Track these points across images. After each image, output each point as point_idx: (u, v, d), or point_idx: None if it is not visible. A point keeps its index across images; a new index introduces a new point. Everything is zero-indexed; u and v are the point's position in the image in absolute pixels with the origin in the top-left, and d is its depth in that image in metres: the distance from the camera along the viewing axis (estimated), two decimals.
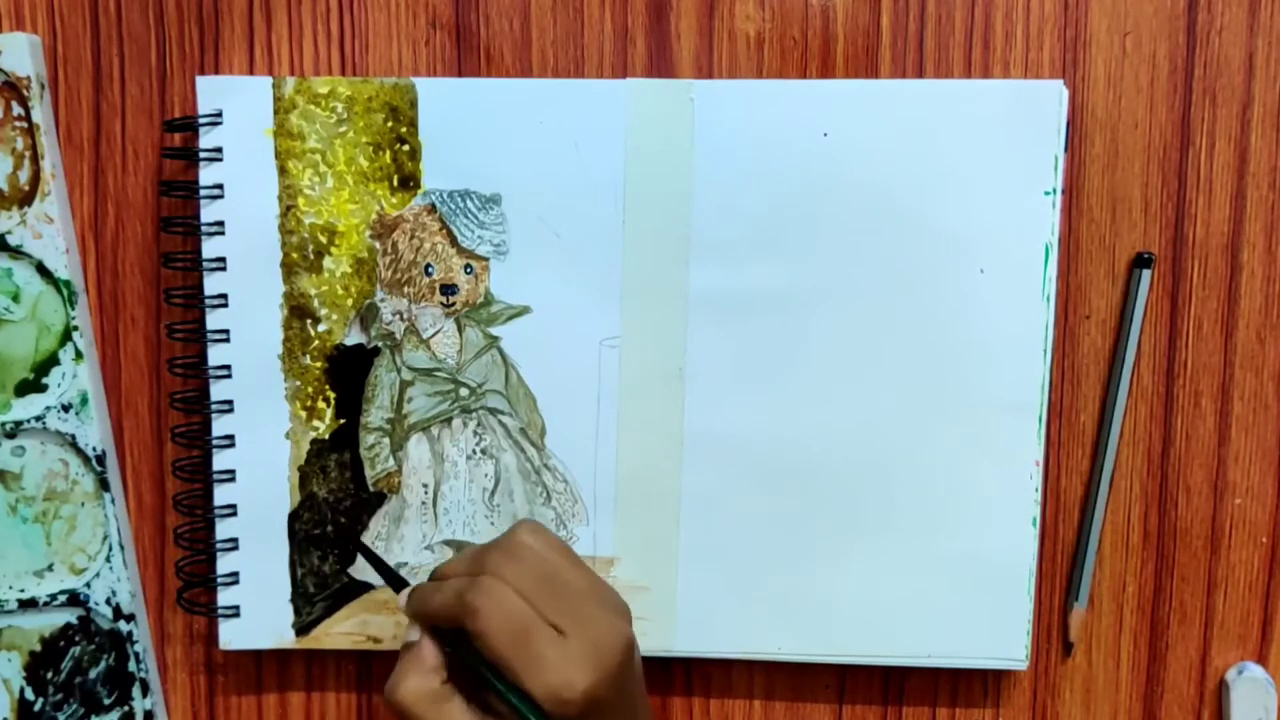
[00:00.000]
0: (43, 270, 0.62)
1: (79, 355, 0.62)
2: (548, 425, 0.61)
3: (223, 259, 0.60)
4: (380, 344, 0.61)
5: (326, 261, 0.60)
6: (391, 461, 0.62)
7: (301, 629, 0.63)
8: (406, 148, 0.60)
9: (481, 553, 0.55)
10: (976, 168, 0.58)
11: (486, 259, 0.60)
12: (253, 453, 0.62)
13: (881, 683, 0.64)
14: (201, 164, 0.60)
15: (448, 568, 0.56)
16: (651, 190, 0.59)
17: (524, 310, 0.61)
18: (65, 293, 0.62)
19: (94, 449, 0.62)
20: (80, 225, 0.63)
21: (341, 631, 0.63)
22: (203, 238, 0.60)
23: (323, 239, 0.60)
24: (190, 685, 0.66)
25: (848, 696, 0.64)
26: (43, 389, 0.62)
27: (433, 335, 0.61)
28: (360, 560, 0.62)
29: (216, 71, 0.62)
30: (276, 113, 0.60)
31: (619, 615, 0.54)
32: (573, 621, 0.52)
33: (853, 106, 0.58)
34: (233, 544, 0.62)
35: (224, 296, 0.61)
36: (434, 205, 0.60)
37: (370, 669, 0.65)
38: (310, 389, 0.61)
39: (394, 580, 0.58)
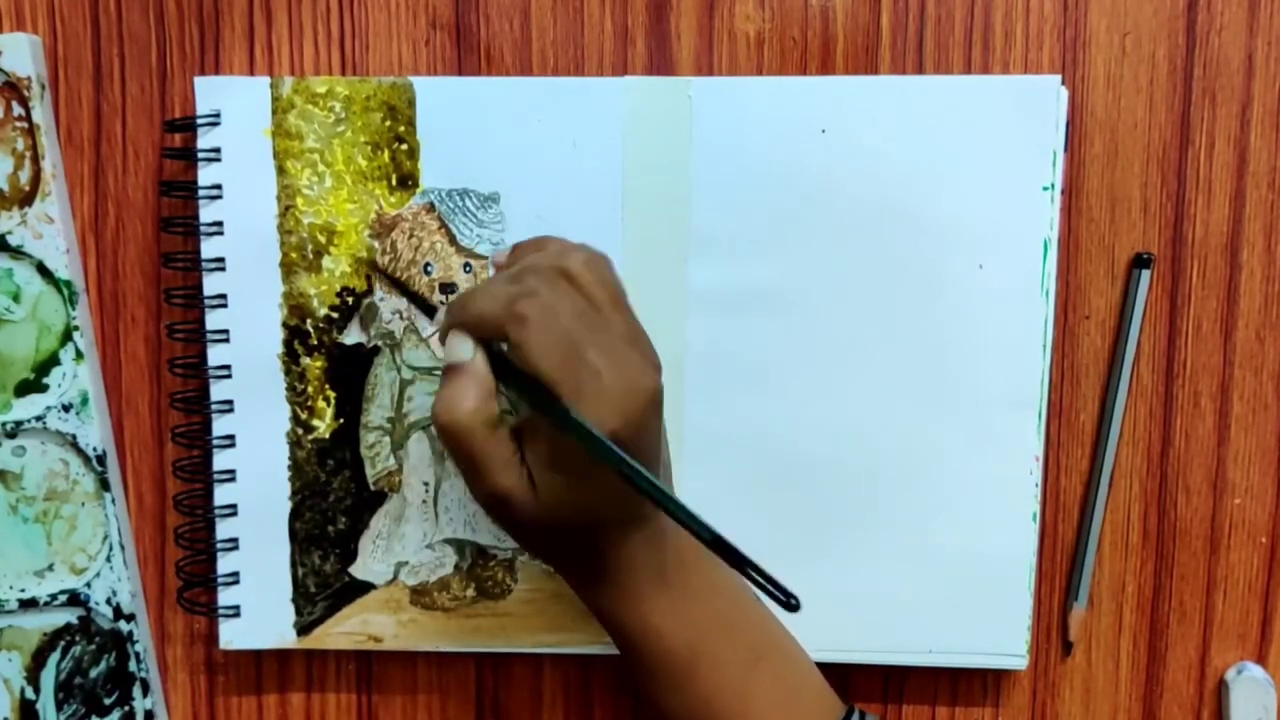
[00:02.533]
0: (43, 270, 0.62)
1: (79, 355, 0.62)
2: None
3: (222, 259, 0.60)
4: (380, 343, 0.61)
5: (325, 261, 0.61)
6: (392, 460, 0.62)
7: (302, 629, 0.63)
8: (405, 147, 0.60)
9: (530, 268, 0.52)
10: (975, 163, 0.58)
11: (485, 257, 0.60)
12: (253, 452, 0.62)
13: (881, 682, 0.64)
14: (200, 164, 0.60)
15: (492, 280, 0.53)
16: (649, 188, 0.59)
17: None
18: (65, 293, 0.62)
19: (94, 449, 0.62)
20: (80, 225, 0.63)
21: (342, 631, 0.63)
22: (201, 238, 0.60)
23: (321, 239, 0.60)
24: (190, 685, 0.66)
25: (848, 695, 0.64)
26: (43, 389, 0.62)
27: (432, 334, 0.61)
28: (360, 560, 0.62)
29: (217, 71, 0.62)
30: (274, 113, 0.60)
31: (652, 365, 0.52)
32: (610, 361, 0.50)
33: (850, 103, 0.59)
34: (233, 544, 0.62)
35: (223, 296, 0.61)
36: (432, 204, 0.60)
37: (371, 669, 0.65)
38: (310, 389, 0.61)
39: (423, 304, 0.57)
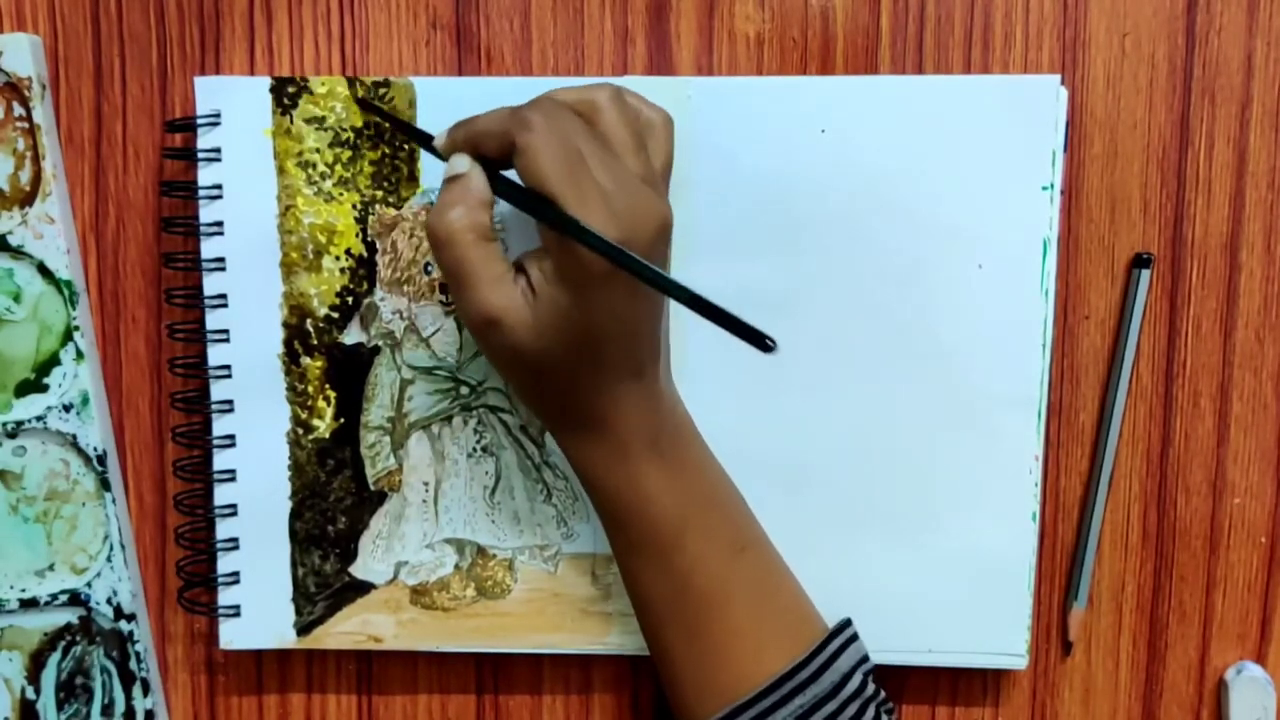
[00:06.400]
0: (44, 270, 0.62)
1: (80, 355, 0.62)
2: None
3: (222, 259, 0.60)
4: (380, 343, 0.61)
5: (325, 261, 0.61)
6: (392, 460, 0.62)
7: (303, 629, 0.63)
8: (405, 147, 0.60)
9: (546, 97, 0.52)
10: (974, 163, 0.58)
11: None
12: (253, 452, 0.62)
13: (881, 681, 0.64)
14: (200, 164, 0.60)
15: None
16: None
17: None
18: (66, 293, 0.62)
19: (95, 449, 0.63)
20: (81, 225, 0.63)
21: (343, 631, 0.63)
22: (202, 238, 0.60)
23: (322, 238, 0.60)
24: (191, 685, 0.66)
25: None
26: (44, 389, 0.62)
27: (433, 334, 0.61)
28: (360, 560, 0.62)
29: (217, 71, 0.62)
30: (275, 113, 0.60)
31: (663, 199, 0.51)
32: (618, 183, 0.49)
33: (850, 103, 0.59)
34: (233, 544, 0.62)
35: (224, 296, 0.61)
36: (433, 204, 0.60)
37: (371, 669, 0.65)
38: (310, 388, 0.61)
39: (418, 134, 0.57)
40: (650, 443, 0.54)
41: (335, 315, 0.61)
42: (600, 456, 0.54)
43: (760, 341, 0.44)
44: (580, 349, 0.51)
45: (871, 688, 0.56)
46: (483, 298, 0.51)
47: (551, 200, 0.48)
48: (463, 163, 0.52)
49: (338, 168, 0.60)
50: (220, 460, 0.62)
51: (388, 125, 0.59)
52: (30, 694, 0.64)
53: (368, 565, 0.62)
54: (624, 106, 0.53)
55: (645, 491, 0.54)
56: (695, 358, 0.60)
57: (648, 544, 0.55)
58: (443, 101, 0.60)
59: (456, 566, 0.62)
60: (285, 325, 0.61)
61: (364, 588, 0.63)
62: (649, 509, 0.54)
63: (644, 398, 0.53)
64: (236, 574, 0.62)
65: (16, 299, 0.62)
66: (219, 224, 0.60)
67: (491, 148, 0.52)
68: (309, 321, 0.61)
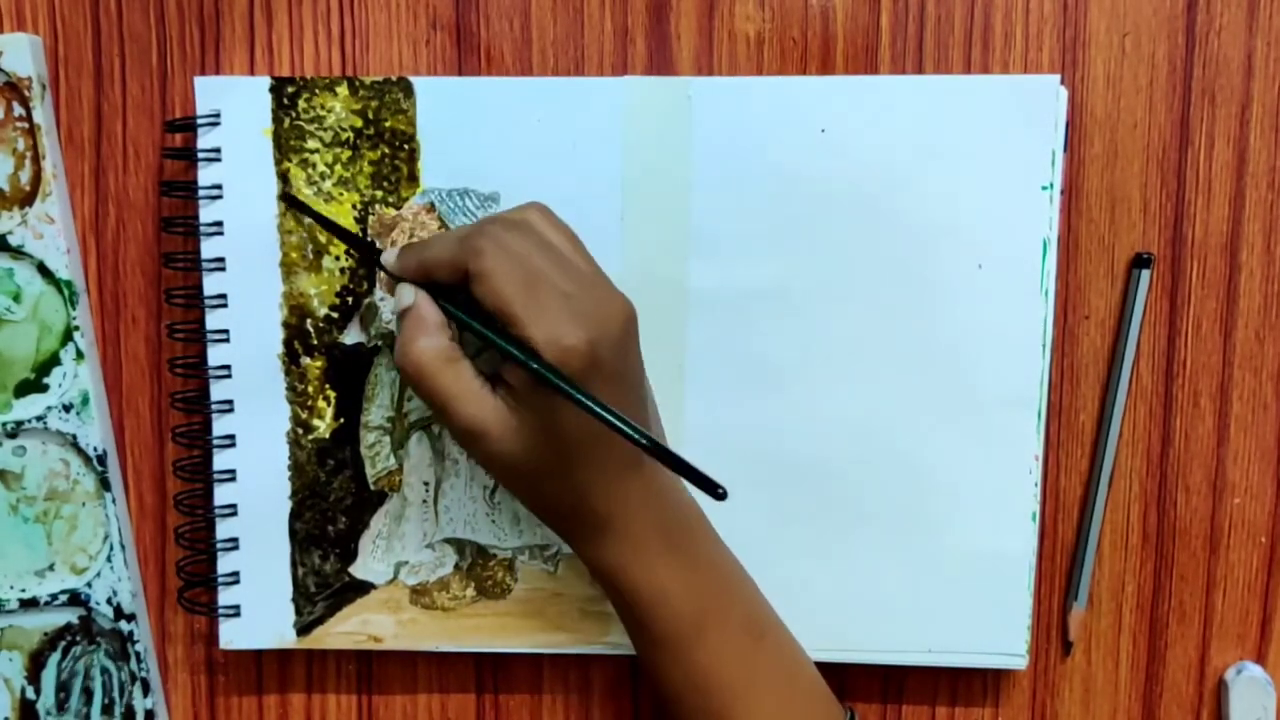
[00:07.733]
0: (44, 270, 0.62)
1: (80, 355, 0.62)
2: None
3: (222, 259, 0.60)
4: (380, 343, 0.61)
5: (326, 261, 0.61)
6: (392, 460, 0.62)
7: (302, 629, 0.63)
8: (405, 147, 0.60)
9: (482, 220, 0.54)
10: (974, 163, 0.58)
11: None
12: (253, 452, 0.62)
13: (881, 681, 0.64)
14: (200, 164, 0.60)
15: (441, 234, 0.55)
16: (650, 188, 0.59)
17: None
18: (66, 293, 0.62)
19: (95, 449, 0.63)
20: (81, 225, 0.63)
21: (343, 631, 0.63)
22: (201, 238, 0.60)
23: (322, 238, 0.60)
24: (191, 685, 0.66)
25: (847, 695, 0.64)
26: (44, 389, 0.62)
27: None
28: (360, 559, 0.62)
29: (217, 71, 0.62)
30: (275, 113, 0.60)
31: (622, 296, 0.53)
32: (578, 286, 0.51)
33: (850, 102, 0.59)
34: (233, 544, 0.62)
35: (223, 296, 0.61)
36: (433, 204, 0.60)
37: (371, 669, 0.65)
38: (310, 388, 0.61)
39: (360, 244, 0.59)
40: (662, 536, 0.54)
41: (335, 315, 0.61)
42: (614, 556, 0.54)
43: (712, 490, 0.47)
44: (569, 451, 0.52)
45: None
46: (465, 414, 0.52)
47: (504, 320, 0.50)
48: (409, 295, 0.54)
49: (338, 168, 0.60)
50: (220, 460, 0.62)
51: (319, 226, 0.60)
52: (30, 694, 0.64)
53: (368, 565, 0.62)
54: (553, 217, 0.55)
55: (663, 587, 0.54)
56: (695, 358, 0.60)
57: (669, 639, 0.55)
58: (443, 101, 0.60)
59: (456, 566, 0.62)
60: (285, 325, 0.61)
61: (364, 588, 0.63)
62: (668, 604, 0.54)
63: (647, 490, 0.54)
64: (236, 574, 0.62)
65: (16, 299, 0.62)
66: (219, 224, 0.60)
67: (444, 275, 0.53)
68: (309, 321, 0.61)
